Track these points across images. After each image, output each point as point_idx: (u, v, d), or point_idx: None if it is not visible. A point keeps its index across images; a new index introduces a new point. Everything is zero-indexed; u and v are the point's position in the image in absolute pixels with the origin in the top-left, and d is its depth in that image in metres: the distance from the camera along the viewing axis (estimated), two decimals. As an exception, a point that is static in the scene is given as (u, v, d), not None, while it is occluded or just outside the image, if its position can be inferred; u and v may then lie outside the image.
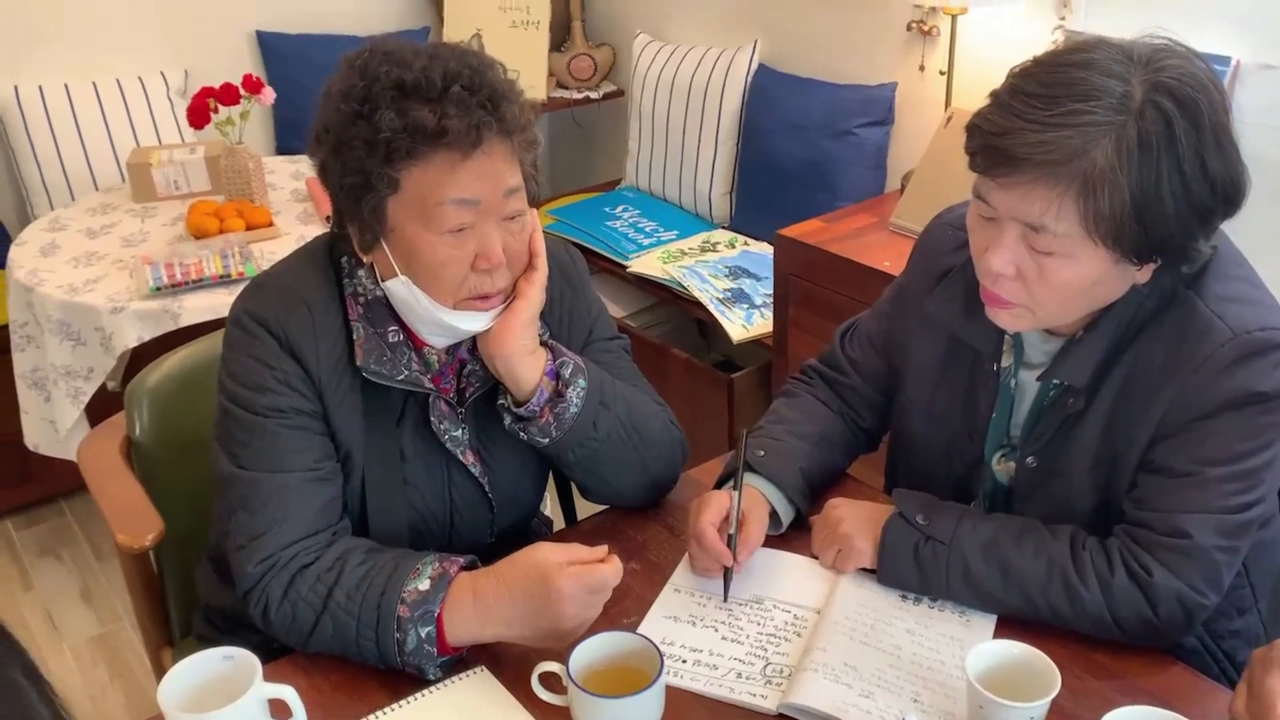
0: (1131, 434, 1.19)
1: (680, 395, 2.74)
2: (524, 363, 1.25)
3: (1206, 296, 1.16)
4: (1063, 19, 2.35)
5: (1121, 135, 1.05)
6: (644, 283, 2.91)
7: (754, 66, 3.03)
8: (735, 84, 3.04)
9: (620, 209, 3.25)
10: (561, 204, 3.33)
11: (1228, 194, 1.09)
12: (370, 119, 1.15)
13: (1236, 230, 1.18)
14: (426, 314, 1.22)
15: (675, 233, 3.08)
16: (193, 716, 0.98)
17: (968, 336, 1.30)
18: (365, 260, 1.25)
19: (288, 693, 1.03)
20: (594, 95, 3.56)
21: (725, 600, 1.25)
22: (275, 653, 1.19)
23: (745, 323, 2.61)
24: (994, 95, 1.14)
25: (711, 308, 2.66)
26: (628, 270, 2.94)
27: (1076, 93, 1.07)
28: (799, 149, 2.85)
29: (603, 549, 1.16)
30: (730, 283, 2.76)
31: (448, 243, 1.18)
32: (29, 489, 2.84)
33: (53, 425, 2.41)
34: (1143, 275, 1.15)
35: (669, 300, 2.87)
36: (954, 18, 2.39)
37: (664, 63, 3.22)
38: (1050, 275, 1.12)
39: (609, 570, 1.14)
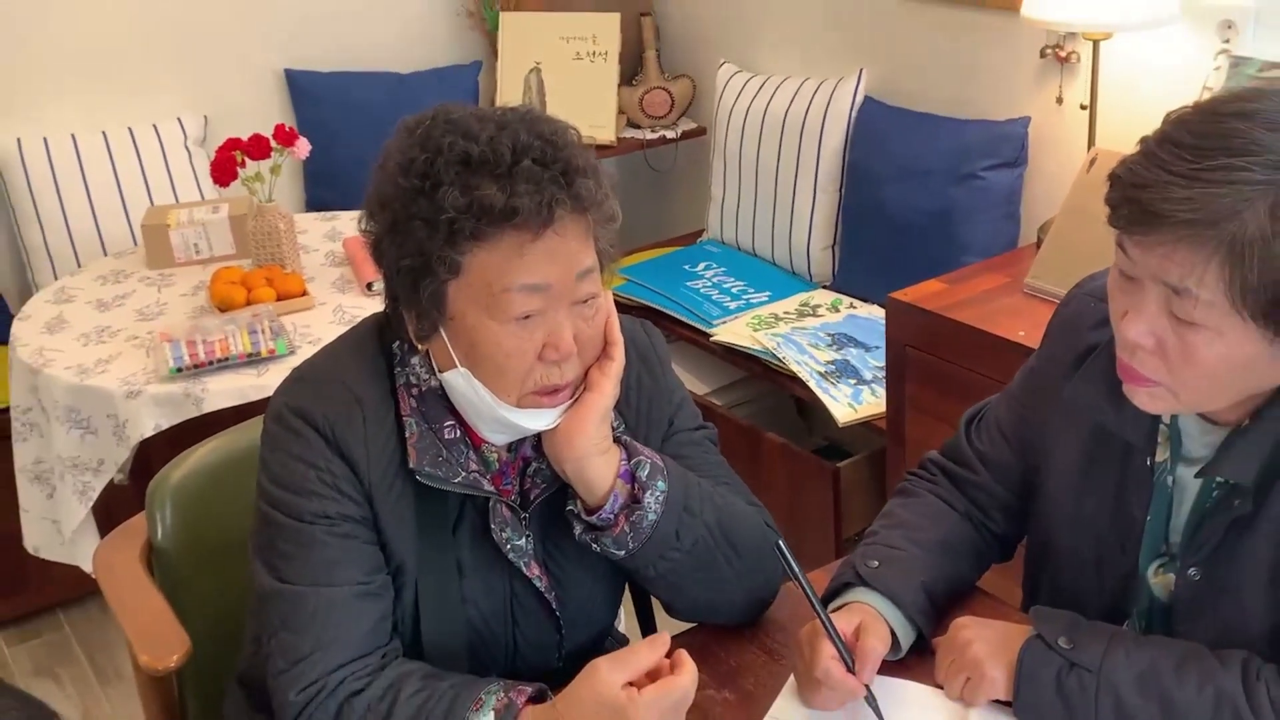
0: (1313, 543, 1.23)
1: (776, 487, 2.82)
2: (595, 464, 1.33)
3: (1386, 384, 1.21)
4: (1227, 42, 2.43)
5: (1274, 198, 1.11)
6: (731, 354, 3.01)
7: (859, 99, 3.16)
8: (837, 120, 3.16)
9: (702, 266, 3.38)
10: (634, 261, 3.47)
11: None
12: (432, 196, 1.24)
13: None
14: (487, 411, 1.31)
15: (767, 294, 3.20)
16: None
17: (1116, 426, 1.36)
18: (421, 349, 1.34)
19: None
20: (670, 134, 3.73)
21: None
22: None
23: (852, 401, 2.68)
24: (1143, 142, 1.21)
25: (812, 383, 2.74)
26: (712, 339, 3.05)
27: (1232, 146, 1.14)
28: (914, 196, 2.95)
29: (664, 644, 1.23)
30: (834, 354, 2.84)
31: (513, 332, 1.27)
32: (24, 598, 2.99)
33: (56, 525, 2.56)
34: (1304, 360, 1.20)
35: (761, 375, 2.97)
36: (1095, 43, 2.47)
37: (752, 96, 3.37)
38: (1194, 351, 1.18)
39: (686, 680, 1.21)
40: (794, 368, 2.80)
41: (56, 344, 2.55)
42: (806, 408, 3.16)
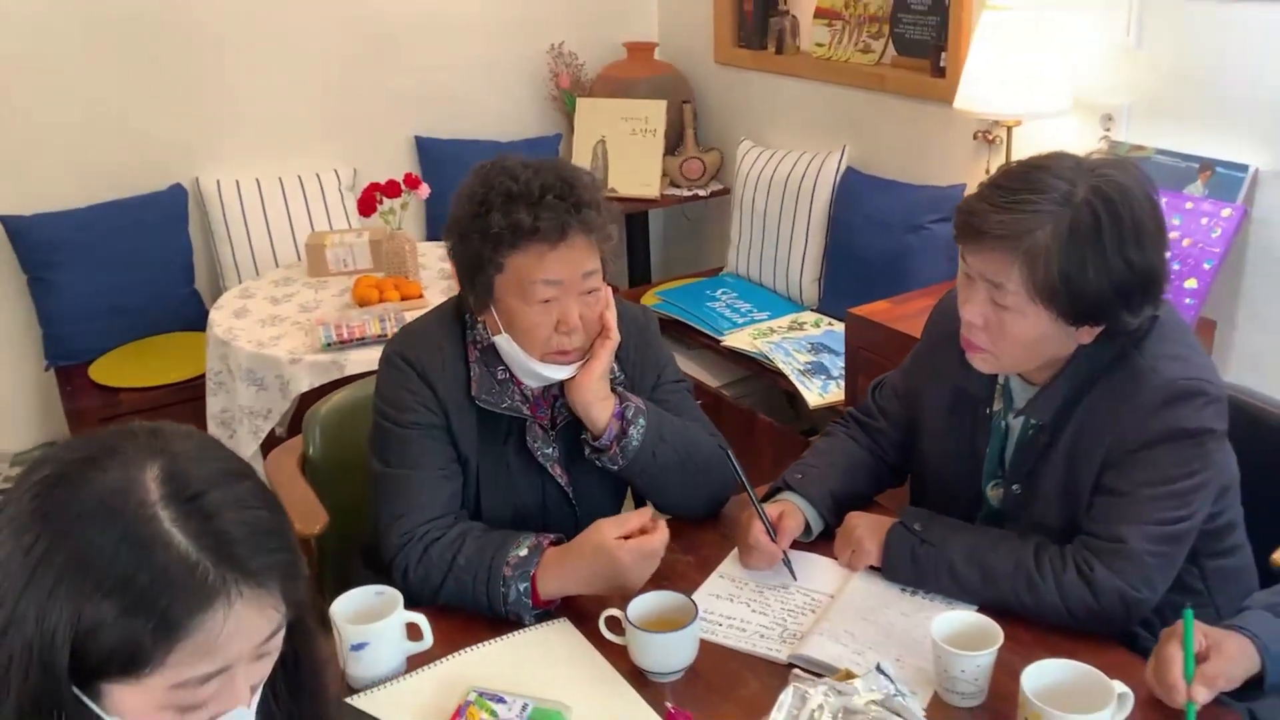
0: (1088, 464, 1.46)
1: (765, 455, 3.04)
2: (597, 407, 1.58)
3: (1146, 354, 1.44)
4: (1108, 130, 2.63)
5: (1059, 222, 1.35)
6: (736, 356, 3.22)
7: (842, 169, 3.36)
8: (825, 184, 3.37)
9: (720, 292, 3.58)
10: (669, 286, 3.69)
11: (1145, 280, 1.37)
12: (485, 217, 1.50)
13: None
14: (521, 364, 1.57)
15: (768, 313, 3.40)
16: (354, 627, 1.34)
17: (965, 384, 1.59)
18: (479, 319, 1.61)
19: (420, 618, 1.38)
20: (702, 193, 3.90)
21: (795, 579, 1.54)
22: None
23: (822, 391, 2.91)
24: (980, 185, 1.46)
25: (793, 377, 2.96)
26: (722, 344, 3.26)
27: (1032, 186, 1.38)
28: (880, 241, 3.15)
29: (649, 512, 1.47)
30: (811, 356, 3.06)
31: (537, 311, 1.53)
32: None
33: (235, 459, 2.85)
34: (1084, 336, 1.43)
35: (758, 373, 3.17)
36: (1009, 129, 2.69)
37: (763, 165, 3.57)
38: (1007, 327, 1.42)
39: (658, 539, 1.45)
40: (780, 365, 3.01)
41: (241, 325, 2.84)
42: (796, 401, 3.37)
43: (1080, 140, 2.67)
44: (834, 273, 3.37)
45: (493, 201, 1.50)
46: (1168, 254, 1.41)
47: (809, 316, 3.35)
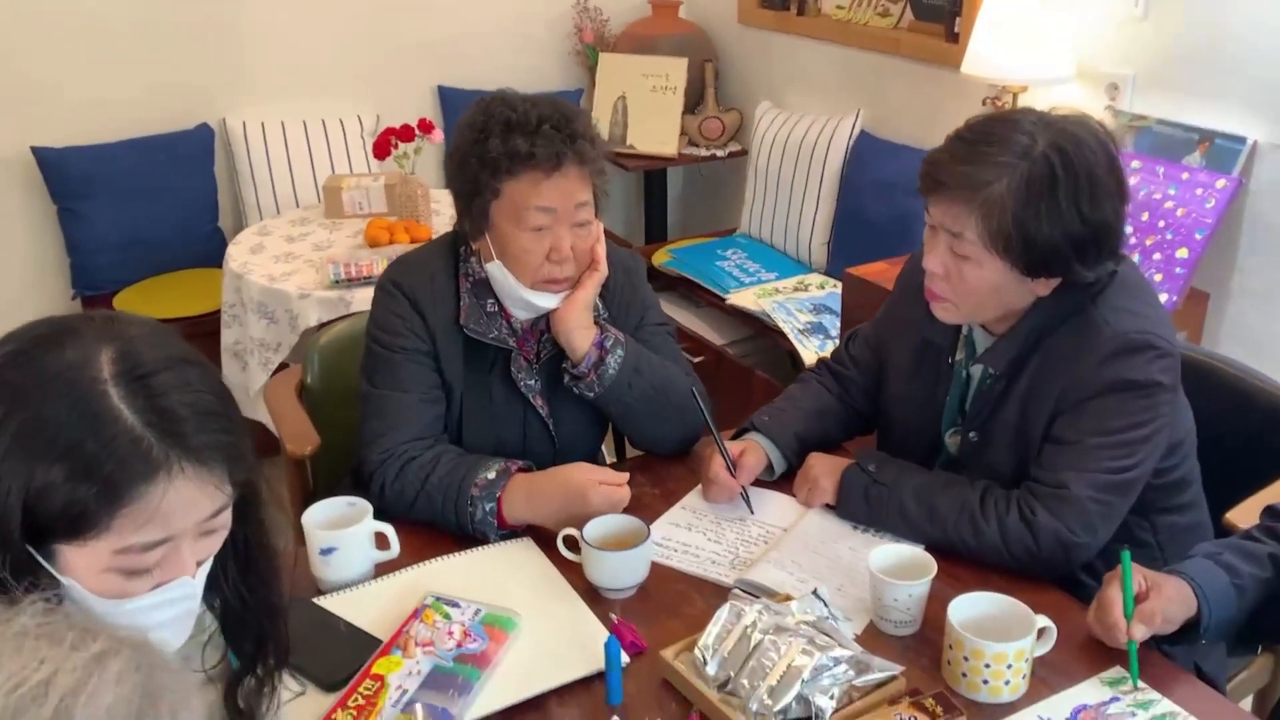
0: (1039, 413, 1.51)
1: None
2: (579, 334, 1.65)
3: (1101, 307, 1.48)
4: (1112, 99, 2.64)
5: (1015, 175, 1.39)
6: (743, 316, 3.26)
7: (856, 133, 3.39)
8: (839, 147, 3.40)
9: (731, 252, 3.62)
10: (680, 245, 3.74)
11: (1097, 233, 1.41)
12: (484, 144, 1.57)
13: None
14: (512, 291, 1.64)
15: (775, 274, 3.44)
16: (322, 532, 1.42)
17: (930, 334, 1.64)
18: (474, 247, 1.68)
19: (387, 528, 1.46)
20: (720, 153, 3.92)
21: (753, 514, 1.60)
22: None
23: (819, 350, 2.95)
24: (946, 137, 1.50)
25: (791, 336, 3.02)
26: (726, 303, 3.30)
27: (992, 139, 1.42)
28: (887, 206, 3.18)
29: (625, 475, 1.54)
30: (812, 317, 3.11)
31: (530, 238, 1.59)
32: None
33: (246, 390, 2.96)
34: (1041, 288, 1.47)
35: (762, 332, 3.22)
36: (1015, 95, 2.71)
37: (779, 127, 3.61)
38: (966, 276, 1.46)
39: (626, 494, 1.52)
40: (780, 324, 3.06)
41: (256, 261, 2.93)
42: (797, 360, 3.41)
43: (1084, 109, 2.67)
44: (842, 236, 3.40)
45: (492, 129, 1.55)
46: (1125, 208, 1.45)
47: (815, 278, 3.39)
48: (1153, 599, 1.29)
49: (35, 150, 3.35)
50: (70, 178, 3.36)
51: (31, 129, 3.34)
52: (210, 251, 3.52)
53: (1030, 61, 2.55)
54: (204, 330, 3.17)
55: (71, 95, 3.37)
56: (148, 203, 3.42)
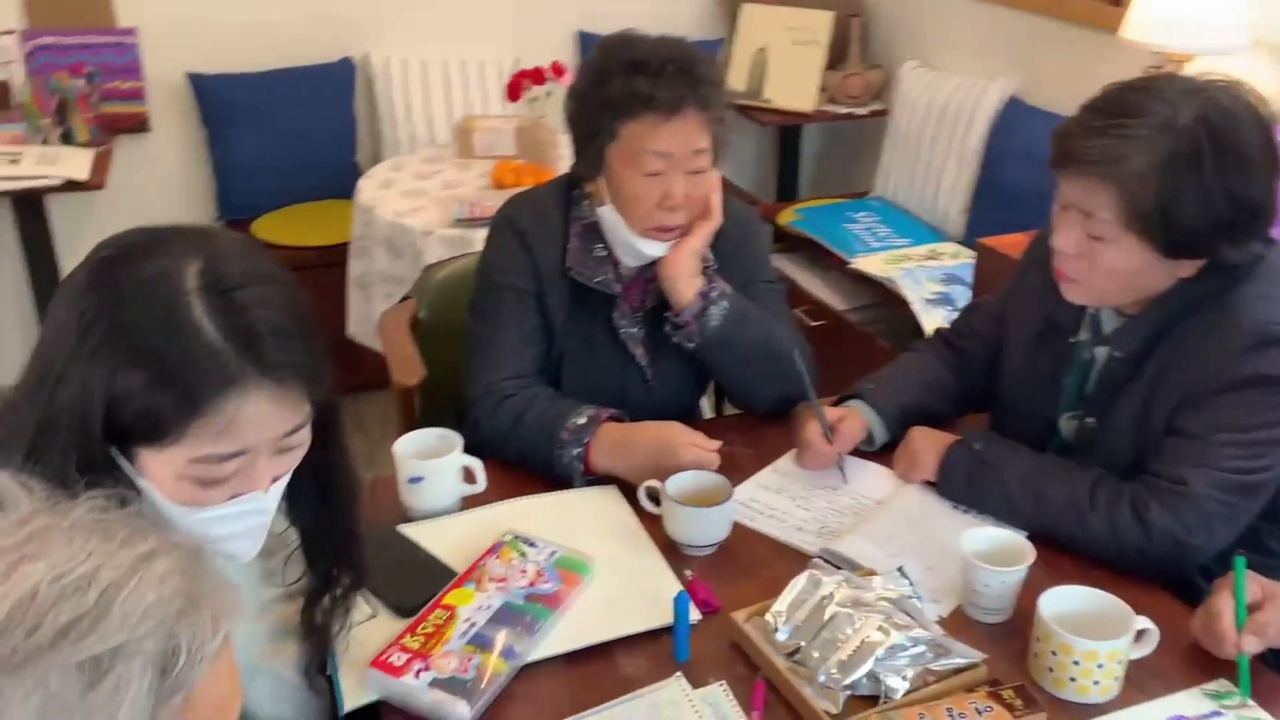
0: (1164, 402, 1.41)
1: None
2: (685, 282, 1.62)
3: (1242, 294, 1.37)
4: (1291, 73, 2.44)
5: (1157, 149, 1.29)
6: (868, 282, 3.15)
7: (1006, 98, 3.23)
8: (986, 112, 3.26)
9: (862, 215, 3.52)
10: (809, 204, 3.65)
11: (1248, 212, 1.30)
12: (605, 85, 1.55)
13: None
14: (622, 236, 1.62)
15: (908, 240, 3.33)
16: (411, 460, 1.44)
17: (1053, 312, 1.55)
18: (587, 189, 1.66)
19: (476, 463, 1.47)
20: (859, 111, 3.78)
21: (846, 482, 1.56)
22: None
23: (944, 323, 2.84)
24: (1080, 107, 1.40)
25: (915, 305, 2.92)
26: (849, 266, 3.21)
27: (1129, 110, 1.32)
28: (1033, 176, 3.00)
29: (718, 443, 1.51)
30: (941, 287, 3.00)
31: (644, 182, 1.57)
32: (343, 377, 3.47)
33: (369, 321, 3.03)
34: (1184, 270, 1.36)
35: (887, 300, 3.10)
36: (1180, 64, 2.52)
37: (924, 88, 3.48)
38: (1100, 257, 1.37)
39: (716, 459, 1.49)
40: (905, 293, 2.96)
41: (385, 195, 2.99)
42: (921, 332, 3.30)
43: (1260, 84, 2.47)
44: (981, 205, 3.27)
45: (613, 69, 1.54)
46: (1278, 185, 1.33)
47: (949, 247, 3.27)
48: (1268, 610, 1.20)
49: (191, 76, 3.48)
50: (220, 104, 3.48)
51: (187, 57, 3.47)
52: (346, 184, 3.56)
53: (1199, 28, 2.38)
54: (332, 260, 3.24)
55: (223, 23, 3.48)
56: (290, 132, 3.52)
